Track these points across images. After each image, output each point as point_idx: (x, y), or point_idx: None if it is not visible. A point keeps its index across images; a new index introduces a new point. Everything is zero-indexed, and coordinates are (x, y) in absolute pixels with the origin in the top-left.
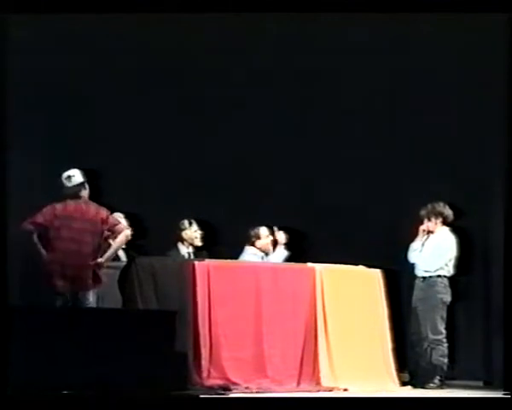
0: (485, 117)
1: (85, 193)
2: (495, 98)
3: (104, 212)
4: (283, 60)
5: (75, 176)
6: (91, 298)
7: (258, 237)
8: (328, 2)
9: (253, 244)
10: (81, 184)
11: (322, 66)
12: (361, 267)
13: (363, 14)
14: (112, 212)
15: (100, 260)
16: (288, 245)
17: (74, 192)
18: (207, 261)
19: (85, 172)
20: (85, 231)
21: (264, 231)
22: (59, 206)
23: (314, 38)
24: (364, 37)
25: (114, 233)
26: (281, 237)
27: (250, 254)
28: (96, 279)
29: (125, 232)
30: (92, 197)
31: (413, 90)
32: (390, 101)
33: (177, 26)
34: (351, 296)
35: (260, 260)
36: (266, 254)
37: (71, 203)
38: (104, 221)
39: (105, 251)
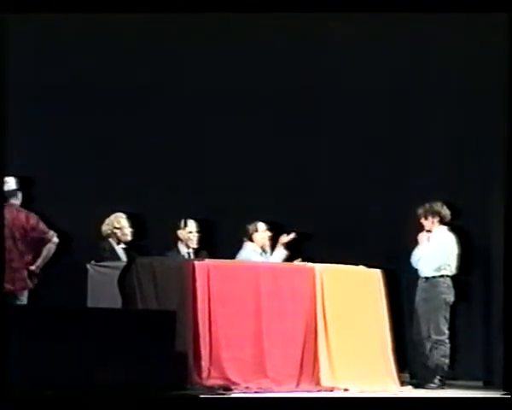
0: (485, 117)
1: (17, 201)
2: (495, 98)
3: (34, 219)
4: (279, 57)
5: (9, 182)
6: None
7: (256, 231)
8: (329, 3)
9: (250, 239)
10: (14, 191)
11: (321, 65)
12: (361, 267)
13: (363, 14)
14: (112, 212)
15: (32, 267)
16: (287, 245)
17: (6, 198)
18: (207, 261)
19: (22, 180)
20: (21, 239)
21: (261, 226)
22: None
23: (312, 37)
24: (364, 37)
25: (44, 241)
26: (285, 238)
27: (250, 251)
28: (29, 283)
29: (54, 240)
30: (93, 197)
31: (413, 89)
32: (390, 100)
33: (177, 26)
34: (351, 296)
35: (259, 256)
36: (264, 250)
37: (5, 211)
38: (34, 228)
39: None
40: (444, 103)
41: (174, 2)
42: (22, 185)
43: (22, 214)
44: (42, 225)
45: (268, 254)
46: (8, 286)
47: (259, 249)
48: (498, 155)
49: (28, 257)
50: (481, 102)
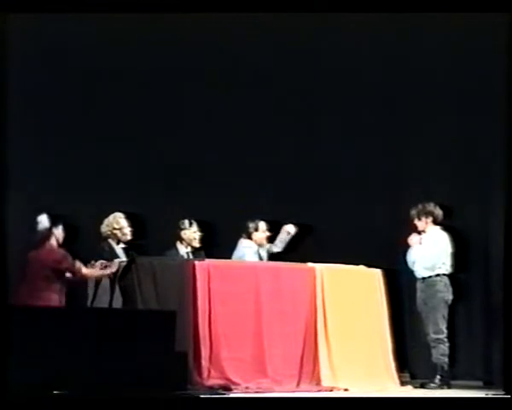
0: (484, 116)
1: (53, 239)
2: (495, 98)
3: (59, 255)
4: (280, 57)
5: (42, 221)
6: None
7: (256, 230)
8: (328, 3)
9: (249, 236)
10: (48, 230)
11: (319, 64)
12: (361, 267)
13: (363, 14)
14: (112, 212)
15: None
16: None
17: (41, 237)
18: (207, 261)
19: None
20: (53, 276)
21: (262, 225)
22: None
23: (313, 35)
24: (364, 36)
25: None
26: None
27: (245, 247)
28: None
29: (82, 271)
30: (93, 197)
31: (412, 89)
32: (390, 101)
33: (177, 25)
34: (351, 296)
35: (254, 253)
36: (260, 247)
37: (39, 250)
38: (60, 263)
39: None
40: (443, 103)
41: (172, 3)
42: (55, 222)
43: (51, 252)
44: (65, 263)
45: (264, 252)
46: None
47: (255, 247)
48: (498, 155)
49: (59, 285)
50: (481, 101)
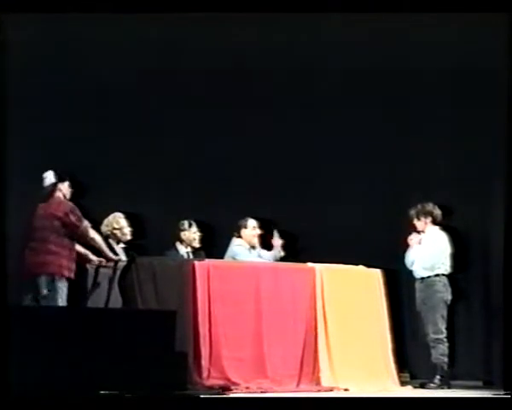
0: (484, 116)
1: (60, 192)
2: (495, 98)
3: (68, 207)
4: (279, 58)
5: (48, 177)
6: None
7: (245, 227)
8: (328, 3)
9: (239, 235)
10: (53, 184)
11: (318, 66)
12: (361, 267)
13: (364, 14)
14: (112, 212)
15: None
16: (286, 246)
17: (47, 191)
18: (207, 261)
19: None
20: (60, 228)
21: (251, 222)
22: None
23: (314, 36)
24: (364, 37)
25: (77, 232)
26: (277, 241)
27: (236, 246)
28: (67, 272)
29: (88, 232)
30: (92, 197)
31: (412, 89)
32: (389, 101)
33: (177, 25)
34: (351, 296)
35: (247, 251)
36: (253, 247)
37: (49, 202)
38: (66, 215)
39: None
40: (443, 103)
41: (172, 2)
42: (61, 178)
43: (61, 205)
44: (73, 216)
45: (257, 251)
46: (44, 269)
47: (247, 245)
48: (497, 154)
49: (68, 246)
50: (481, 102)
